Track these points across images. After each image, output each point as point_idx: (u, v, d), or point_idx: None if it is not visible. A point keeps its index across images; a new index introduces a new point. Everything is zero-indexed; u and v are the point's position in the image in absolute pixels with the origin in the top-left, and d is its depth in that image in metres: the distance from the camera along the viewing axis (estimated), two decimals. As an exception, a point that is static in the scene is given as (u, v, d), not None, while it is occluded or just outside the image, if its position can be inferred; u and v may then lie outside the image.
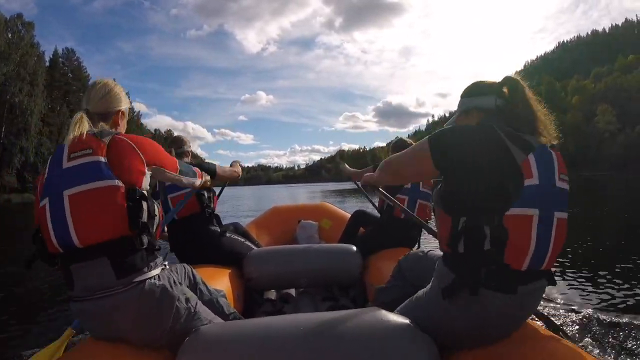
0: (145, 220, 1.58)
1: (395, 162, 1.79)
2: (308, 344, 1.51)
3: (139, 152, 1.62)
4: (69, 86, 59.39)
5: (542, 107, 1.58)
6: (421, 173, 1.76)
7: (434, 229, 1.96)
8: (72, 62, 62.27)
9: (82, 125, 1.62)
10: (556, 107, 78.46)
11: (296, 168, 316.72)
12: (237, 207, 22.51)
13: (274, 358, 1.49)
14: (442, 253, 1.67)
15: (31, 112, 45.57)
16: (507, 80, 1.60)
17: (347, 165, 4.43)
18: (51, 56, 59.66)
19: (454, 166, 1.48)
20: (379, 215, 3.90)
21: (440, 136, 1.52)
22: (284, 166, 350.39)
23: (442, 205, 1.54)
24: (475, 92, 1.68)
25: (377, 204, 4.02)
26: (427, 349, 1.51)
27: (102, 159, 1.53)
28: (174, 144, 3.38)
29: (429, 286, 1.69)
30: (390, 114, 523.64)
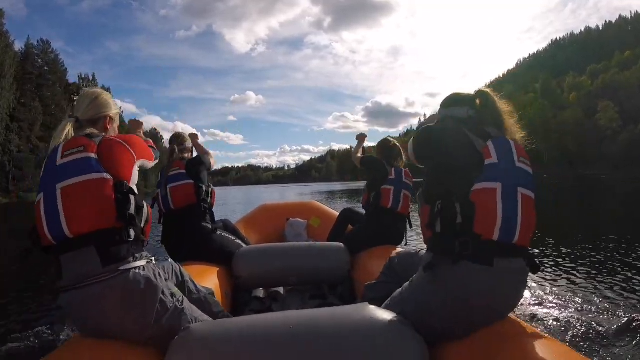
0: (133, 213, 1.66)
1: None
2: (297, 342, 1.53)
3: (129, 148, 1.74)
4: (42, 79, 54.65)
5: (512, 114, 1.83)
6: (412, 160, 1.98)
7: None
8: (48, 54, 57.33)
9: (66, 132, 1.74)
10: (553, 104, 78.27)
11: (286, 168, 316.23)
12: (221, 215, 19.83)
13: (264, 356, 1.51)
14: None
15: (-4, 106, 41.60)
16: (479, 93, 1.85)
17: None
18: (23, 47, 54.87)
19: (429, 158, 1.83)
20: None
21: (420, 134, 1.86)
22: (274, 166, 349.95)
23: (423, 198, 1.78)
24: (450, 103, 1.93)
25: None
26: (415, 345, 1.55)
27: (93, 155, 1.65)
28: (176, 141, 3.54)
29: (414, 276, 1.81)
30: (380, 114, 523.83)
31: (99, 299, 1.57)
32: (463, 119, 1.82)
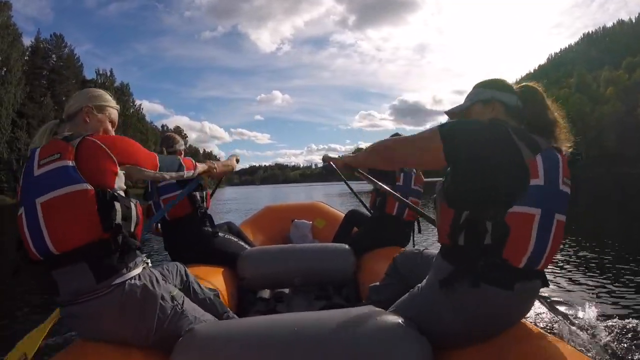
0: (119, 221, 1.57)
1: (398, 148, 1.76)
2: (302, 343, 1.52)
3: (109, 152, 1.60)
4: (55, 74, 53.63)
5: (562, 112, 1.61)
6: (424, 164, 1.72)
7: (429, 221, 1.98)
8: (62, 49, 56.66)
9: (46, 134, 1.69)
10: (591, 99, 74.55)
11: (313, 167, 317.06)
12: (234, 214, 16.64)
13: (269, 357, 1.50)
14: (436, 252, 1.70)
15: (0, 101, 40.26)
16: (527, 88, 1.64)
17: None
18: (32, 41, 54.26)
19: (464, 159, 1.50)
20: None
21: (453, 128, 1.54)
22: (301, 165, 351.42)
23: (445, 198, 1.56)
24: (499, 86, 1.69)
25: (368, 203, 4.08)
26: (420, 348, 1.52)
27: (70, 163, 1.53)
28: (164, 143, 3.36)
29: (425, 281, 1.70)
30: (407, 111, 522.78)
31: (98, 313, 1.54)
32: (512, 107, 1.63)
